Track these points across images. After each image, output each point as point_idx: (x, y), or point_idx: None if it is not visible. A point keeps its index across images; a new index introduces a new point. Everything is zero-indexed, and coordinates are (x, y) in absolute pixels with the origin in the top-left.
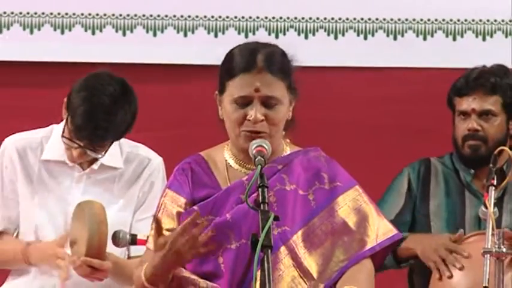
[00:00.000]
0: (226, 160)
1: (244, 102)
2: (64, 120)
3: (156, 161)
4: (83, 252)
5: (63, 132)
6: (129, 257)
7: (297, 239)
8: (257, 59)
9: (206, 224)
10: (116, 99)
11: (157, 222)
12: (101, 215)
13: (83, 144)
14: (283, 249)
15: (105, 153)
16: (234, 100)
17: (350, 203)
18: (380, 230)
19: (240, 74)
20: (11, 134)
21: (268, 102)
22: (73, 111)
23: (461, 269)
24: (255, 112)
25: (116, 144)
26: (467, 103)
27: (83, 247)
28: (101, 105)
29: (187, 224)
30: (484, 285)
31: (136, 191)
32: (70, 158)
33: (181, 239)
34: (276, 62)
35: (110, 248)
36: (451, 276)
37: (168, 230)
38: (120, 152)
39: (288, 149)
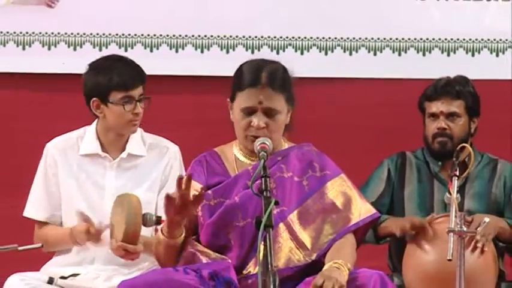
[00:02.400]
0: (235, 154)
1: (249, 112)
2: (109, 114)
3: (174, 149)
4: (120, 238)
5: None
6: (156, 231)
7: (293, 217)
8: (261, 76)
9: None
10: (118, 56)
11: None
12: (137, 208)
13: (138, 96)
14: (281, 225)
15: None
16: (241, 109)
17: (337, 187)
18: (362, 209)
19: (247, 88)
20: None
21: (269, 113)
22: (112, 80)
23: (430, 240)
24: (257, 120)
25: (139, 136)
26: (436, 106)
27: (120, 234)
28: (118, 60)
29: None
30: (448, 258)
31: (159, 174)
32: (129, 128)
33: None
34: (277, 78)
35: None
36: (431, 236)
37: None
38: (143, 143)
39: (285, 145)
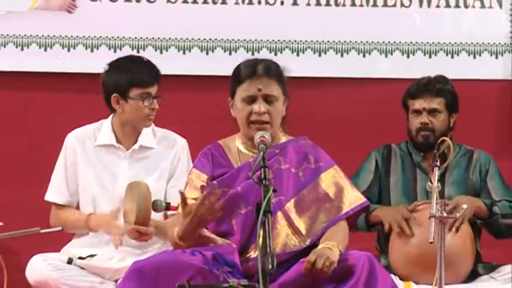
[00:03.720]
0: (237, 146)
1: (250, 101)
2: (130, 110)
3: (181, 142)
4: (133, 222)
5: (141, 105)
6: (166, 217)
7: (290, 205)
8: (257, 68)
9: (221, 194)
10: (136, 56)
11: (182, 197)
12: (146, 194)
13: (154, 93)
14: (279, 213)
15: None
16: (243, 99)
17: (330, 178)
18: (352, 198)
19: (246, 80)
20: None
21: (268, 99)
22: (132, 78)
23: (412, 235)
24: (259, 106)
25: (150, 130)
26: (419, 103)
27: (133, 218)
28: (137, 60)
29: (206, 195)
30: (430, 241)
31: (167, 165)
32: (145, 121)
33: (202, 206)
34: (272, 69)
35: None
36: (409, 235)
37: (193, 199)
38: (153, 136)
39: (283, 138)
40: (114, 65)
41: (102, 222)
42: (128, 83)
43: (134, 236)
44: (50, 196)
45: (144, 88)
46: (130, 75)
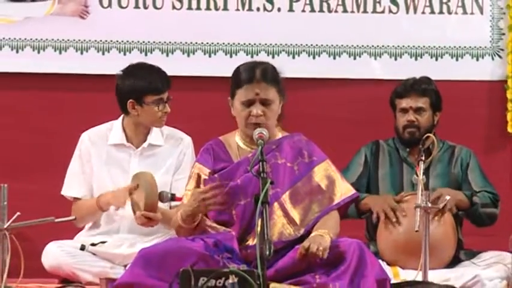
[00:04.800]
0: (237, 142)
1: (248, 104)
2: (143, 114)
3: (187, 140)
4: (142, 209)
5: (154, 111)
6: (170, 207)
7: (285, 197)
8: (256, 73)
9: (223, 189)
10: (148, 64)
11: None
12: (152, 183)
13: (166, 98)
14: (275, 204)
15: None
16: (242, 102)
17: (322, 171)
18: (343, 190)
19: (244, 85)
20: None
21: (265, 102)
22: (147, 85)
23: (398, 223)
24: (256, 109)
25: (158, 129)
26: (406, 102)
27: (142, 205)
28: (150, 68)
29: (209, 187)
30: (415, 229)
31: (174, 160)
32: (158, 123)
33: (206, 195)
34: (269, 74)
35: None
36: (397, 222)
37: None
38: (161, 134)
39: (279, 134)
40: (128, 73)
41: (110, 196)
42: (144, 90)
43: (142, 221)
44: (66, 191)
45: (158, 95)
46: (146, 83)
